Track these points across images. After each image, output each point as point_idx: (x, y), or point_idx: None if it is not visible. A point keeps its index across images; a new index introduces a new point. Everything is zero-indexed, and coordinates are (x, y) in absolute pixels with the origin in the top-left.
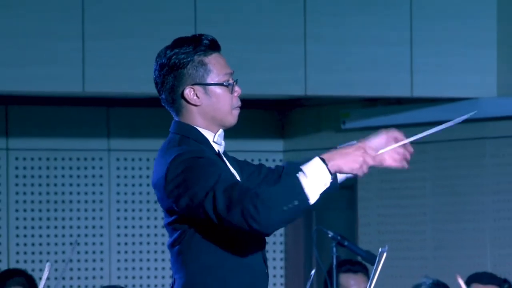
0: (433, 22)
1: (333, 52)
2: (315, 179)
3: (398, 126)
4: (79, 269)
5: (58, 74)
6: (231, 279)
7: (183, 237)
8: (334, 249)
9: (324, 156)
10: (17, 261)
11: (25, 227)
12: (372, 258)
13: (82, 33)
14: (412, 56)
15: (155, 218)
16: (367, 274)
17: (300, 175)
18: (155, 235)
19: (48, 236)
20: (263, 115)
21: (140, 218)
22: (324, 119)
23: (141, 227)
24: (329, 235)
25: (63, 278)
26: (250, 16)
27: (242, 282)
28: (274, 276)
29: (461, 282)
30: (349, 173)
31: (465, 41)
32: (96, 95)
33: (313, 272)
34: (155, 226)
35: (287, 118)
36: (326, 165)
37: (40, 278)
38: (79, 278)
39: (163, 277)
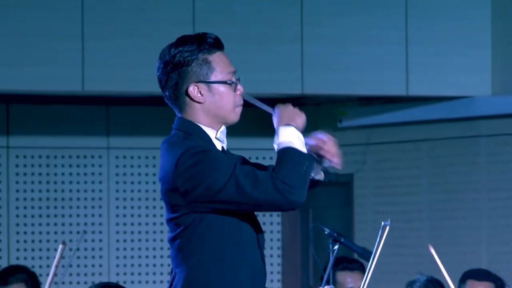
0: (429, 22)
1: (330, 52)
2: (296, 139)
3: (393, 125)
4: (78, 265)
5: (58, 74)
6: (231, 274)
7: (185, 232)
8: (331, 246)
9: (280, 123)
10: (17, 258)
11: (25, 224)
12: (368, 255)
13: (81, 33)
14: (408, 56)
15: (154, 215)
16: (363, 271)
17: (288, 145)
18: (154, 232)
19: (48, 233)
20: (260, 113)
21: (139, 215)
22: (321, 117)
23: (140, 224)
24: (326, 232)
25: (70, 266)
26: (248, 16)
27: (242, 277)
28: (271, 272)
29: (433, 251)
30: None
31: (460, 40)
32: (96, 94)
33: (336, 247)
34: (154, 223)
35: None
36: (289, 125)
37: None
38: (78, 274)
39: (161, 274)
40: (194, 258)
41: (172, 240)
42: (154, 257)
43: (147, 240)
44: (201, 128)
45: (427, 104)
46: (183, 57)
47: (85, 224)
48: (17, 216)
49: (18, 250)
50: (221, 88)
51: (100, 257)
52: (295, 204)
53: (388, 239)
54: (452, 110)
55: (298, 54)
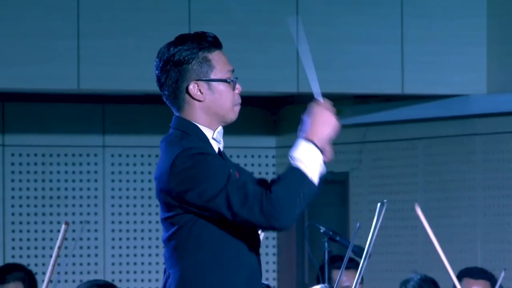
0: (424, 20)
1: (325, 50)
2: (311, 162)
3: (389, 123)
4: (74, 264)
5: (54, 72)
6: (227, 275)
7: (180, 232)
8: (326, 244)
9: (307, 135)
10: (13, 256)
11: (20, 223)
12: (363, 253)
13: (77, 32)
14: (403, 54)
15: (150, 214)
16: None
17: (298, 164)
18: (150, 230)
19: (43, 231)
20: (256, 112)
21: (135, 214)
22: None
23: (135, 222)
24: (321, 230)
25: (73, 256)
26: (243, 15)
27: (239, 278)
28: (267, 270)
29: (419, 211)
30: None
31: (456, 39)
32: (92, 92)
33: (358, 224)
34: (150, 222)
35: (279, 115)
36: (314, 144)
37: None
38: (74, 273)
39: (157, 272)
40: (189, 259)
41: (167, 240)
42: (150, 255)
43: (142, 239)
44: (198, 128)
45: (422, 103)
46: (183, 55)
47: (81, 222)
48: (13, 214)
49: (13, 248)
50: (221, 86)
51: (96, 255)
52: (277, 229)
53: (383, 238)
54: (448, 108)
55: (294, 53)
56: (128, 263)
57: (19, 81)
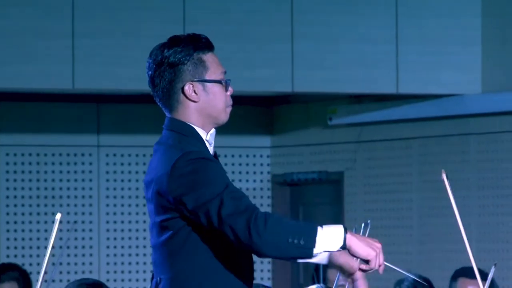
0: (419, 20)
1: (320, 50)
2: (328, 236)
3: (384, 122)
4: (68, 263)
5: (49, 71)
6: (222, 282)
7: (175, 238)
8: None
9: (350, 234)
10: (8, 256)
11: (15, 222)
12: None
13: (72, 31)
14: (398, 54)
15: (144, 214)
16: None
17: (318, 226)
18: (144, 230)
19: (38, 231)
20: (251, 111)
21: (129, 214)
22: (311, 115)
23: (130, 222)
24: None
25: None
26: (238, 15)
27: (234, 284)
28: (262, 270)
29: (445, 177)
30: (362, 257)
31: (450, 38)
32: (86, 91)
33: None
34: (144, 222)
35: (274, 114)
36: (346, 234)
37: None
38: (68, 272)
39: (152, 272)
40: (184, 264)
41: (160, 245)
42: (145, 255)
43: (137, 238)
44: (193, 128)
45: (417, 102)
46: (178, 57)
47: (75, 222)
48: (7, 214)
49: (8, 248)
50: (215, 87)
51: (90, 255)
52: (254, 247)
53: (378, 237)
54: (442, 108)
55: (289, 52)
56: (122, 263)
57: (14, 81)
